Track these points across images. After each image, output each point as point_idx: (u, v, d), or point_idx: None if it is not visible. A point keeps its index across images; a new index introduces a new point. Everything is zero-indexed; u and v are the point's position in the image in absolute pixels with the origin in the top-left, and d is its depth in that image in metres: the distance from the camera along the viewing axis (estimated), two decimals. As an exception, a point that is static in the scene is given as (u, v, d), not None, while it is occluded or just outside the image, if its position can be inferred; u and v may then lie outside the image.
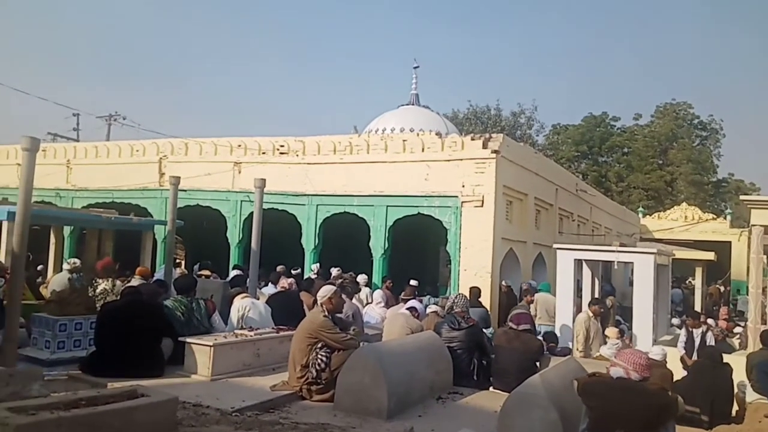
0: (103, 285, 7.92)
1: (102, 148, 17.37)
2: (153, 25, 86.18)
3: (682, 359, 9.27)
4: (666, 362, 7.33)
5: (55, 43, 77.71)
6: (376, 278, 12.90)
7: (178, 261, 16.87)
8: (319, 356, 5.58)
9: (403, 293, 10.56)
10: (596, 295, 10.67)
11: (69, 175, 17.35)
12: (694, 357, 9.34)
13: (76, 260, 9.36)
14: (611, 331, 8.66)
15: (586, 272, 10.90)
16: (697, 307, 15.72)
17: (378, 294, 10.94)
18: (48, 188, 16.89)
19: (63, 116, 48.59)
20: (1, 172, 18.00)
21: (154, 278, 9.16)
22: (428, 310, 8.36)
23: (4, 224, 9.36)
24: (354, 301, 10.13)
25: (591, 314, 9.22)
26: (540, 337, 7.98)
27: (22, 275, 6.24)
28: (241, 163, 14.72)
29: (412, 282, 11.31)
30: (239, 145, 14.92)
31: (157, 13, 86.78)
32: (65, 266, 9.45)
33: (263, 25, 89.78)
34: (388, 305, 10.59)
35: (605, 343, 8.69)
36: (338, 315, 6.21)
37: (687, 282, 23.15)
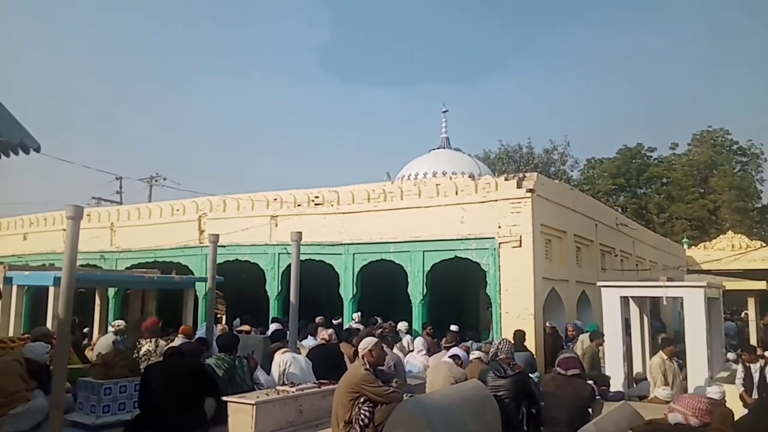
0: (146, 346, 8.01)
1: (144, 209, 17.87)
2: (185, 85, 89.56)
3: (741, 397, 8.80)
4: (725, 401, 6.96)
5: (95, 111, 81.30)
6: (416, 324, 12.74)
7: (219, 316, 17.01)
8: (362, 411, 5.46)
9: (444, 340, 10.38)
10: (646, 333, 10.29)
11: (113, 238, 17.83)
12: (755, 394, 8.87)
13: (121, 322, 9.51)
14: (665, 371, 8.29)
15: (634, 309, 10.54)
16: (753, 340, 15.05)
17: (419, 341, 10.77)
18: (93, 251, 17.37)
19: (107, 180, 50.34)
20: (48, 237, 18.63)
21: (196, 336, 9.21)
22: (471, 357, 8.17)
23: (51, 289, 9.61)
24: (396, 349, 9.99)
25: (665, 357, 8.77)
26: (590, 381, 7.68)
27: (68, 341, 6.34)
28: (277, 216, 14.91)
29: (453, 327, 11.12)
30: (275, 199, 15.15)
31: (188, 73, 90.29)
32: (110, 329, 9.60)
33: (289, 75, 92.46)
34: (429, 352, 10.42)
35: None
36: (380, 367, 6.09)
37: (743, 315, 22.21)
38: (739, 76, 68.74)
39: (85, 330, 12.73)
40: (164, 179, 36.35)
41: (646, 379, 9.72)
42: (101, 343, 9.21)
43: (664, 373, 8.53)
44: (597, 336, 10.10)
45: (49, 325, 9.11)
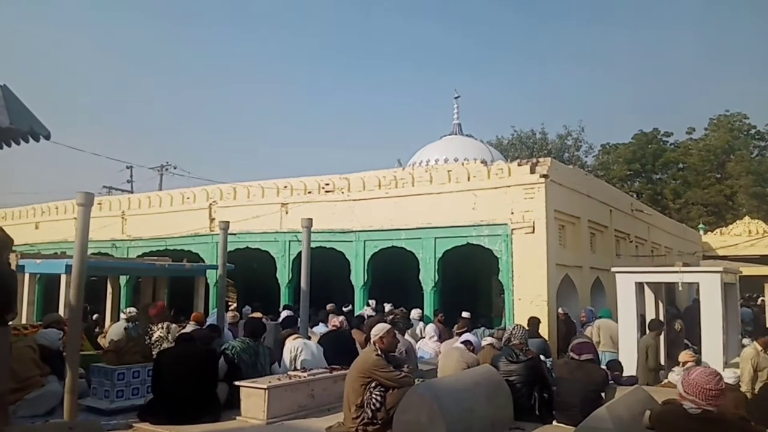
0: (158, 332, 8.04)
1: (155, 198, 17.92)
2: (197, 76, 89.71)
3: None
4: (740, 386, 6.87)
5: (106, 100, 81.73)
6: (428, 311, 12.71)
7: (230, 304, 17.09)
8: (374, 396, 5.45)
9: (456, 326, 10.34)
10: (661, 318, 10.14)
11: (124, 226, 17.92)
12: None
13: (132, 309, 9.55)
14: (686, 355, 8.13)
15: (649, 295, 10.42)
16: (769, 326, 14.84)
17: (430, 328, 10.74)
18: (105, 240, 17.48)
19: (117, 169, 50.73)
20: (59, 226, 18.76)
21: (207, 323, 9.23)
22: (483, 343, 8.12)
23: (63, 277, 9.66)
24: (407, 336, 9.96)
25: (760, 348, 8.40)
26: (603, 366, 7.62)
27: (80, 326, 6.38)
28: (287, 203, 14.89)
29: (465, 314, 11.07)
30: (285, 187, 15.13)
31: (197, 64, 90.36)
32: (122, 315, 9.65)
33: (300, 65, 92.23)
34: (441, 339, 10.39)
35: None
36: (391, 353, 6.07)
37: (759, 301, 21.94)
38: (757, 59, 67.62)
39: (95, 317, 12.82)
40: (175, 168, 36.67)
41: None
42: (113, 330, 9.27)
43: (755, 366, 8.13)
44: (655, 326, 9.45)
45: (61, 312, 9.17)
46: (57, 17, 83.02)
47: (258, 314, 11.38)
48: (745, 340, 12.48)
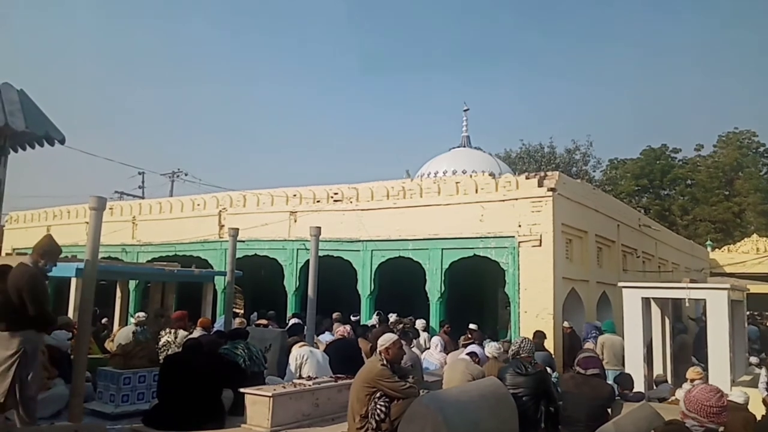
0: (165, 337, 8.08)
1: (165, 204, 18.03)
2: (208, 84, 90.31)
3: (764, 401, 8.62)
4: (747, 405, 6.81)
5: (119, 107, 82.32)
6: (434, 322, 12.70)
7: (237, 311, 17.12)
8: (378, 406, 5.44)
9: (463, 338, 10.34)
10: (667, 336, 10.10)
11: (135, 231, 18.03)
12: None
13: (142, 314, 9.61)
14: (693, 372, 8.08)
15: (655, 311, 10.39)
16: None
17: (435, 339, 10.74)
18: (115, 244, 17.58)
19: (129, 175, 51.04)
20: (71, 230, 18.89)
21: (214, 329, 9.27)
22: (487, 353, 8.10)
23: (73, 280, 9.72)
24: (414, 348, 9.96)
25: None
26: (612, 381, 7.58)
27: (89, 330, 6.42)
28: (296, 212, 14.96)
29: (472, 326, 11.06)
30: (294, 195, 15.20)
31: (208, 74, 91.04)
32: (132, 320, 9.70)
33: (310, 75, 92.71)
34: (446, 350, 10.39)
35: None
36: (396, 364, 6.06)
37: (765, 322, 21.77)
38: (766, 76, 67.39)
39: (104, 321, 12.88)
40: (186, 174, 36.92)
41: (666, 381, 9.57)
42: (122, 334, 9.32)
43: None
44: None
45: (70, 315, 9.23)
46: (71, 23, 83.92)
47: (264, 321, 11.43)
48: (752, 359, 12.41)
